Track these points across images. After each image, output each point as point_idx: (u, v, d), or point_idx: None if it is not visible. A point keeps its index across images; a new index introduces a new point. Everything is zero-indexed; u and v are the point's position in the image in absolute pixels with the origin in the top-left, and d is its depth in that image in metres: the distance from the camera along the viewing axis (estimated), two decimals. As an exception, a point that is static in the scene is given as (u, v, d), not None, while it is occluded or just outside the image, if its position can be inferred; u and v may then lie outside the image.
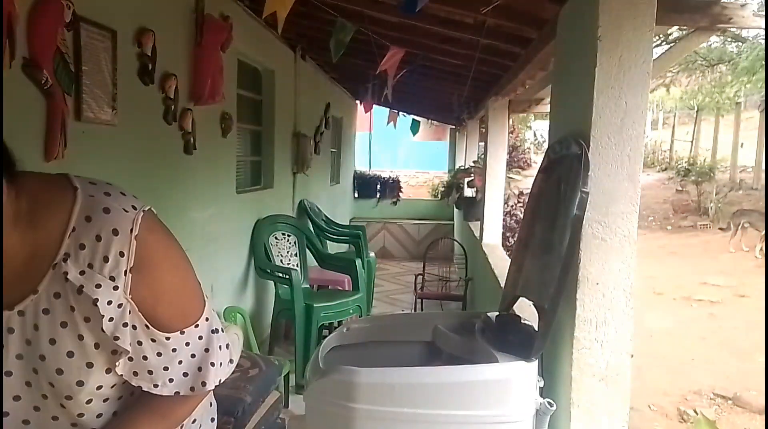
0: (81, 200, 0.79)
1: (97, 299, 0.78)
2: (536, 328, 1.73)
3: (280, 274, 3.88)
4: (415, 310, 5.16)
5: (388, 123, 7.53)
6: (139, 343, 0.84)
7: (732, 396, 4.51)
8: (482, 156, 5.47)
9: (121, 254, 0.79)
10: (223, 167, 3.52)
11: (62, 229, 0.78)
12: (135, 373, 0.86)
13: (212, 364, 0.91)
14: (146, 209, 0.83)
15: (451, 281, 5.66)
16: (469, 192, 6.74)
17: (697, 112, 19.33)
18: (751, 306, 6.93)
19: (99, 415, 0.89)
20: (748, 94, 16.69)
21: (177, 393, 0.89)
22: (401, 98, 6.56)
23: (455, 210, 8.11)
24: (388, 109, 7.50)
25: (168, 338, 0.86)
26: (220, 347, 0.93)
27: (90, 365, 0.82)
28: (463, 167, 7.48)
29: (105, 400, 0.88)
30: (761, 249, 9.45)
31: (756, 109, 17.43)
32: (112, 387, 0.87)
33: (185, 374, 0.89)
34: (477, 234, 4.98)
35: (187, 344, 0.88)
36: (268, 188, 4.52)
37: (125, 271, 0.79)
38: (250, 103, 4.27)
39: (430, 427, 1.61)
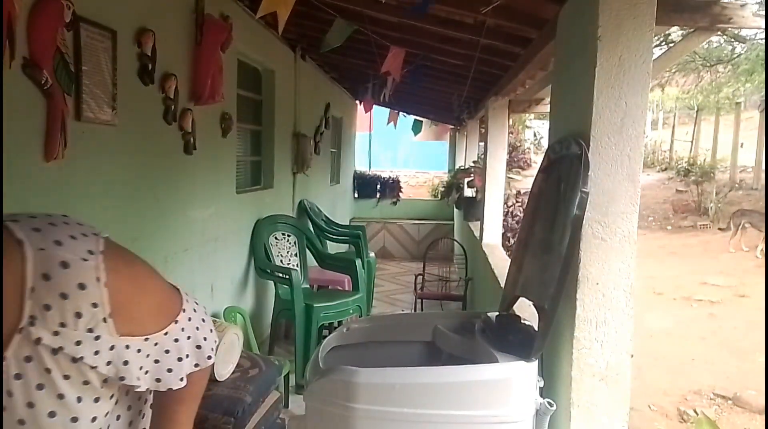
0: (31, 257, 0.72)
1: (81, 357, 0.76)
2: (536, 328, 1.73)
3: (280, 274, 3.88)
4: (415, 310, 5.16)
5: (389, 123, 7.53)
6: (147, 355, 0.85)
7: (732, 396, 4.51)
8: (482, 156, 5.47)
9: (95, 305, 0.75)
10: (223, 167, 3.52)
11: (19, 291, 0.71)
12: (158, 380, 0.88)
13: (206, 338, 0.95)
14: (102, 249, 0.77)
15: (451, 281, 5.66)
16: (469, 192, 6.75)
17: (696, 112, 19.32)
18: (751, 306, 6.93)
19: None
20: (748, 94, 16.68)
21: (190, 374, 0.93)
22: (401, 98, 6.56)
23: (455, 210, 8.11)
24: (388, 109, 7.50)
25: (166, 333, 0.87)
26: (203, 319, 0.97)
27: (75, 419, 0.80)
28: (463, 167, 7.48)
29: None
30: (761, 249, 9.45)
31: (756, 109, 17.41)
32: (106, 415, 0.86)
33: (187, 355, 0.92)
34: (477, 234, 4.98)
35: (183, 329, 0.91)
36: (268, 188, 4.52)
37: (104, 319, 0.76)
38: (250, 103, 4.27)
39: (430, 427, 1.61)
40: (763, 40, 10.99)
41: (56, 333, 0.74)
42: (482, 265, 4.36)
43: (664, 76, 14.04)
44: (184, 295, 0.95)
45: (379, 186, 9.86)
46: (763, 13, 1.89)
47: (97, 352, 0.77)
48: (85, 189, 2.13)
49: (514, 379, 1.63)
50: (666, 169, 18.57)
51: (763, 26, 1.89)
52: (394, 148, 16.46)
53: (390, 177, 10.33)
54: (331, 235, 5.50)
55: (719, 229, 11.24)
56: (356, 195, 9.61)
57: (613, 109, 1.60)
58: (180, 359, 0.90)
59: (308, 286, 4.53)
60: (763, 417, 4.16)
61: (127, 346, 0.81)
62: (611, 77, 1.59)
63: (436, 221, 9.16)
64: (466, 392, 1.60)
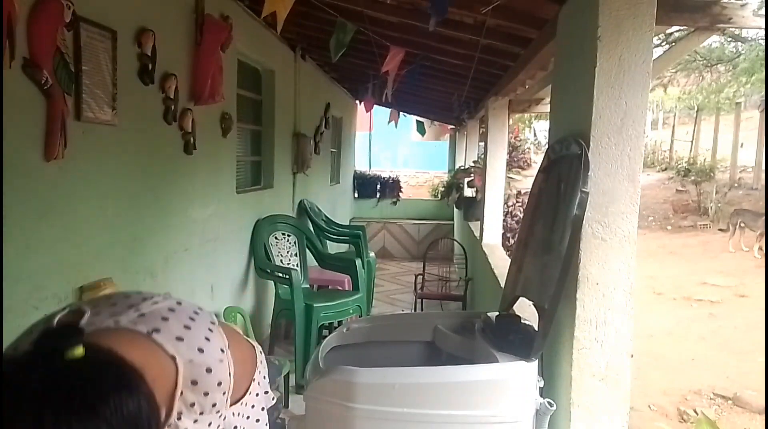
0: (182, 369, 0.85)
1: None
2: (536, 328, 1.73)
3: (280, 274, 3.88)
4: (415, 310, 5.16)
5: (390, 122, 7.53)
6: (240, 415, 0.99)
7: (732, 396, 4.51)
8: (482, 156, 5.47)
9: (224, 393, 0.91)
10: (223, 167, 3.52)
11: (170, 395, 0.85)
12: None
13: (268, 381, 1.11)
14: (216, 323, 0.92)
15: (451, 281, 5.65)
16: (469, 192, 6.74)
17: (697, 112, 19.31)
18: (751, 306, 6.93)
19: None
20: (748, 94, 16.67)
21: None
22: (401, 98, 6.56)
23: (455, 210, 8.11)
24: (389, 109, 7.50)
25: (250, 393, 1.02)
26: (267, 364, 1.14)
27: None
28: (463, 167, 7.48)
29: None
30: (760, 248, 9.45)
31: (756, 109, 17.40)
32: None
33: (262, 408, 1.07)
34: (477, 234, 4.98)
35: (259, 384, 1.06)
36: (268, 188, 4.52)
37: (226, 399, 0.92)
38: (250, 103, 4.27)
39: (430, 427, 1.61)
40: (763, 40, 10.99)
41: (196, 421, 0.89)
42: (482, 265, 4.36)
43: (666, 76, 14.02)
44: (257, 347, 1.08)
45: (379, 186, 9.86)
46: (763, 13, 1.89)
47: (218, 426, 0.93)
48: (85, 189, 2.13)
49: (514, 379, 1.63)
50: (666, 169, 18.56)
51: (763, 26, 1.89)
52: (394, 148, 16.47)
53: (390, 177, 10.33)
54: (331, 235, 5.49)
55: (719, 229, 11.24)
56: (356, 195, 9.61)
57: (613, 109, 1.61)
58: (262, 410, 1.05)
59: (308, 286, 4.53)
60: (763, 417, 4.16)
61: (233, 414, 0.97)
62: (611, 77, 1.59)
63: (436, 221, 9.16)
64: (466, 392, 1.60)
